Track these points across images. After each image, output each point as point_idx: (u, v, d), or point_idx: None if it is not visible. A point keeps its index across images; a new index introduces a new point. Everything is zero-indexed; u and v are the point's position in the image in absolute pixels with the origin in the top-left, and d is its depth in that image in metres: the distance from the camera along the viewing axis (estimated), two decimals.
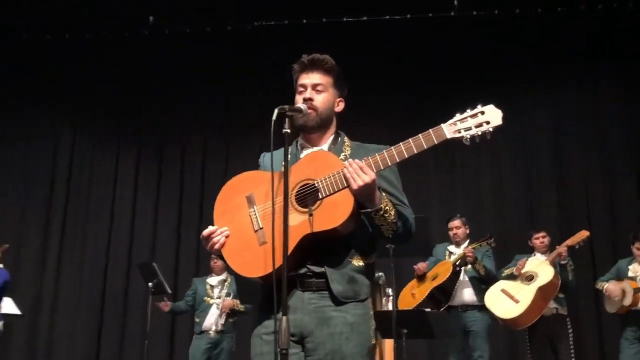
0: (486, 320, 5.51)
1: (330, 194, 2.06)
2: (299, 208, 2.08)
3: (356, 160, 2.06)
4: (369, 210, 2.05)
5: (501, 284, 5.42)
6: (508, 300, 5.27)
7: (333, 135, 2.31)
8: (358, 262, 2.13)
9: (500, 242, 7.61)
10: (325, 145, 2.28)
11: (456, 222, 5.89)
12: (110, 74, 8.25)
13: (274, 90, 8.07)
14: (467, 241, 5.81)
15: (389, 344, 6.67)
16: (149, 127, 8.42)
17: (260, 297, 2.16)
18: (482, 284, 5.57)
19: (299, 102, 2.23)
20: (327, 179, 2.08)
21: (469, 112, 2.05)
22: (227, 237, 2.13)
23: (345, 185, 2.04)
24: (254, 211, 2.12)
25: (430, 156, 7.57)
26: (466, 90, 7.13)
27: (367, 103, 7.33)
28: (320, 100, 2.24)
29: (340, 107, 2.33)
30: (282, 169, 2.08)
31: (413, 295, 5.66)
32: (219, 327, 6.01)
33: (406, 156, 2.05)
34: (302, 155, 2.25)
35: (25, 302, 7.40)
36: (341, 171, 2.06)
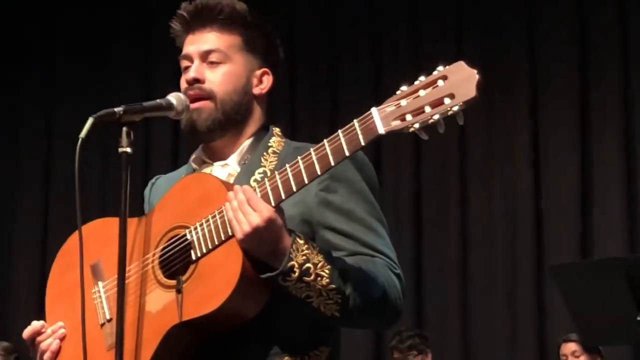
0: None
1: (209, 251, 1.16)
2: (164, 280, 1.20)
3: (245, 187, 1.14)
4: (271, 274, 1.11)
5: None
6: None
7: (253, 138, 1.35)
8: None
9: None
10: (234, 156, 1.33)
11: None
12: None
13: None
14: None
15: None
16: None
17: None
18: None
19: (183, 87, 1.33)
20: (204, 225, 1.17)
21: (422, 81, 1.04)
22: (62, 339, 1.28)
23: (230, 233, 1.14)
24: (99, 291, 1.27)
25: None
26: None
27: None
28: (218, 79, 1.31)
29: (264, 84, 1.36)
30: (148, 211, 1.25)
31: None
32: None
33: (319, 173, 1.11)
34: None
35: None
36: (223, 208, 1.16)
